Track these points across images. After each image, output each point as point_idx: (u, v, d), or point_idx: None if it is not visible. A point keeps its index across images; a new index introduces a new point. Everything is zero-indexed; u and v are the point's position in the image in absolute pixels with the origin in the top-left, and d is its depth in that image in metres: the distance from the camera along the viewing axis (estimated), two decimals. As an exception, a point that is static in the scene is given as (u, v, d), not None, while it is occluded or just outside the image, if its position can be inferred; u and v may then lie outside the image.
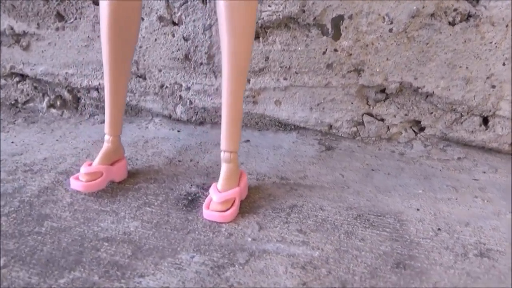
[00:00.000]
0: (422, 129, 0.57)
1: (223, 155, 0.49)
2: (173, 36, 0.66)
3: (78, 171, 0.59)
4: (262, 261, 0.41)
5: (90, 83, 0.73)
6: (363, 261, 0.40)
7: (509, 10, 0.47)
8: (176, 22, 0.65)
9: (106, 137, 0.55)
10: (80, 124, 0.75)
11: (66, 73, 0.73)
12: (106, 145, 0.55)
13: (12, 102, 0.79)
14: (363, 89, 0.56)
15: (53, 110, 0.77)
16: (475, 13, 0.48)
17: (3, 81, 0.79)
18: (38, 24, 0.71)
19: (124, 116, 0.74)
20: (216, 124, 0.69)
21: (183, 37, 0.63)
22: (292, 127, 0.63)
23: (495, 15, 0.48)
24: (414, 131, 0.57)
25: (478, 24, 0.49)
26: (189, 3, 0.60)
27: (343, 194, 0.52)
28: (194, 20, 0.61)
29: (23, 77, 0.77)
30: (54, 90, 0.76)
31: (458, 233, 0.45)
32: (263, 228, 0.46)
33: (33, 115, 0.79)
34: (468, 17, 0.49)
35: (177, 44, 0.66)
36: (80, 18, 0.68)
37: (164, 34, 0.66)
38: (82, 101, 0.76)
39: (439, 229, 0.45)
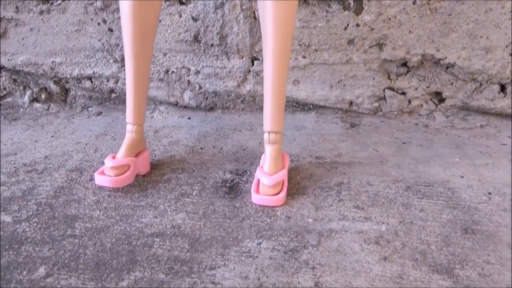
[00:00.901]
0: (442, 100, 0.58)
1: (269, 137, 0.47)
2: (180, 16, 0.61)
3: (90, 167, 0.53)
4: (334, 241, 0.39)
5: (82, 71, 0.66)
6: (432, 231, 0.40)
7: (529, -21, 0.49)
8: (184, 1, 0.61)
9: (129, 126, 0.50)
10: (73, 117, 0.68)
11: (52, 62, 0.66)
12: (129, 136, 0.50)
13: (-15, 98, 0.71)
14: (385, 64, 0.56)
15: (37, 105, 0.69)
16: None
17: (-28, 76, 0.70)
18: (16, 7, 0.62)
19: (120, 104, 0.68)
20: (228, 109, 0.65)
21: (192, 17, 0.59)
22: (311, 106, 0.61)
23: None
24: (434, 103, 0.58)
25: (500, -8, 0.50)
26: (198, -20, 0.57)
27: (384, 168, 0.51)
28: (203, 1, 0.57)
29: (-2, 69, 0.69)
30: (37, 82, 0.68)
31: (508, 195, 0.46)
32: (319, 208, 0.44)
33: (12, 112, 0.70)
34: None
35: (184, 25, 0.61)
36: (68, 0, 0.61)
37: (170, 14, 0.61)
38: (72, 92, 0.69)
39: (489, 193, 0.46)
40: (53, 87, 0.68)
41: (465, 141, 0.55)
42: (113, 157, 0.48)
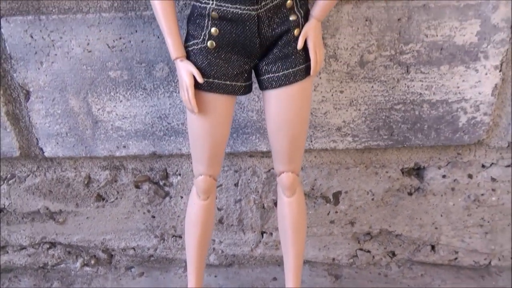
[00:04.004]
0: (395, 255, 0.84)
1: None
2: (209, 207, 0.83)
3: None
4: None
5: (127, 244, 0.84)
6: None
7: (445, 185, 0.76)
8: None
9: None
10: (120, 279, 0.85)
11: (103, 238, 0.84)
12: None
13: (40, 265, 0.86)
14: (355, 234, 0.81)
15: (87, 268, 0.86)
16: (423, 187, 0.77)
17: (31, 250, 0.85)
18: (77, 204, 0.80)
19: (158, 264, 0.87)
20: (243, 264, 0.87)
21: (217, 208, 0.80)
22: (305, 261, 0.85)
23: (435, 188, 0.76)
24: (390, 257, 0.84)
25: (426, 194, 0.77)
26: (223, 186, 0.78)
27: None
28: (227, 197, 0.79)
29: (53, 244, 0.85)
30: (88, 251, 0.85)
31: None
32: None
33: (65, 275, 0.86)
34: (418, 189, 0.77)
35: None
36: (121, 198, 0.80)
37: (201, 207, 0.82)
38: (117, 257, 0.87)
39: None
40: (101, 254, 0.86)
41: (411, 285, 0.81)
42: None
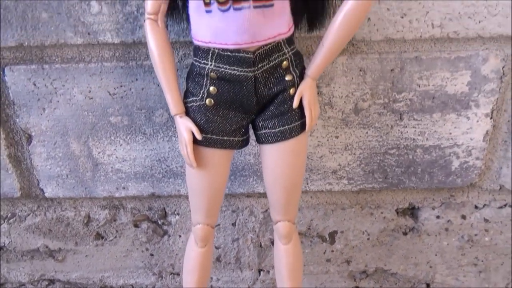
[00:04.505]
0: (390, 293, 0.84)
1: None
2: (206, 246, 0.84)
3: None
4: None
5: (126, 281, 0.85)
6: None
7: (439, 226, 0.78)
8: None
9: None
10: (118, 316, 0.86)
11: (101, 276, 0.84)
12: None
13: (39, 302, 0.86)
14: (351, 272, 0.82)
15: (85, 304, 0.87)
16: (418, 227, 0.78)
17: (30, 287, 0.85)
18: (76, 242, 0.81)
19: (156, 301, 0.88)
20: (240, 301, 0.88)
21: (215, 246, 0.81)
22: (302, 299, 0.85)
23: (429, 228, 0.77)
24: (386, 295, 0.84)
25: (420, 233, 0.78)
26: (221, 225, 0.79)
27: None
28: (224, 236, 0.80)
29: (52, 281, 0.85)
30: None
31: None
32: None
33: (63, 311, 0.87)
34: (413, 229, 0.78)
35: (210, 252, 0.84)
36: (120, 237, 0.81)
37: (199, 245, 0.83)
38: (115, 294, 0.87)
39: None
40: (99, 291, 0.86)
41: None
42: None
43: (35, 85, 0.66)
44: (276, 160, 0.55)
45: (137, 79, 0.66)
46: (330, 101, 0.67)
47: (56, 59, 0.65)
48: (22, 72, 0.65)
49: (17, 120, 0.69)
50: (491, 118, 0.68)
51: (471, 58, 0.63)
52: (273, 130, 0.54)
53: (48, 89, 0.66)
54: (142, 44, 0.63)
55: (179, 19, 0.57)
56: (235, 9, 0.46)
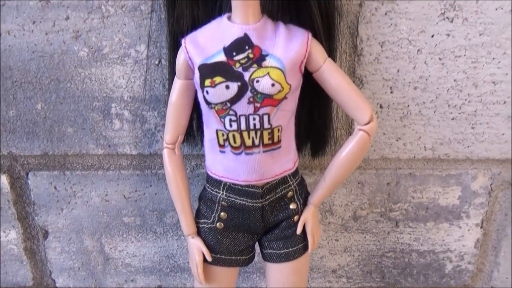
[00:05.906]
0: None
1: None
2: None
3: None
4: None
5: None
6: None
7: None
8: None
9: None
10: None
11: None
12: None
13: None
14: None
15: None
16: None
17: None
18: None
19: None
20: None
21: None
22: None
23: None
24: None
25: None
26: None
27: None
28: None
29: None
30: None
31: None
32: None
33: None
34: None
35: None
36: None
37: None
38: None
39: None
40: None
41: None
42: None
43: (55, 188, 0.71)
44: (280, 278, 0.59)
45: (151, 185, 0.70)
46: (331, 208, 0.71)
47: (77, 166, 0.70)
48: (44, 177, 0.70)
49: (36, 218, 0.73)
50: (481, 227, 0.72)
51: (461, 176, 0.68)
52: (278, 252, 0.58)
53: (68, 192, 0.71)
54: (157, 155, 0.68)
55: (193, 145, 0.63)
56: (247, 154, 0.51)
